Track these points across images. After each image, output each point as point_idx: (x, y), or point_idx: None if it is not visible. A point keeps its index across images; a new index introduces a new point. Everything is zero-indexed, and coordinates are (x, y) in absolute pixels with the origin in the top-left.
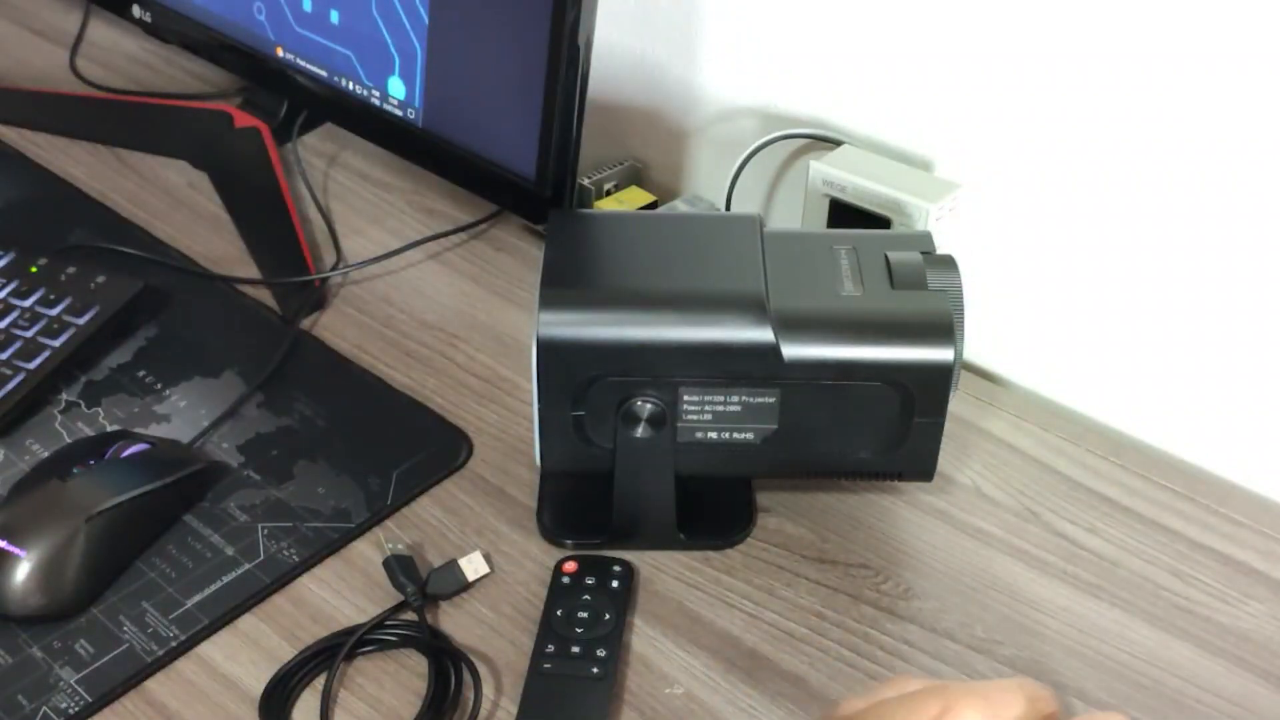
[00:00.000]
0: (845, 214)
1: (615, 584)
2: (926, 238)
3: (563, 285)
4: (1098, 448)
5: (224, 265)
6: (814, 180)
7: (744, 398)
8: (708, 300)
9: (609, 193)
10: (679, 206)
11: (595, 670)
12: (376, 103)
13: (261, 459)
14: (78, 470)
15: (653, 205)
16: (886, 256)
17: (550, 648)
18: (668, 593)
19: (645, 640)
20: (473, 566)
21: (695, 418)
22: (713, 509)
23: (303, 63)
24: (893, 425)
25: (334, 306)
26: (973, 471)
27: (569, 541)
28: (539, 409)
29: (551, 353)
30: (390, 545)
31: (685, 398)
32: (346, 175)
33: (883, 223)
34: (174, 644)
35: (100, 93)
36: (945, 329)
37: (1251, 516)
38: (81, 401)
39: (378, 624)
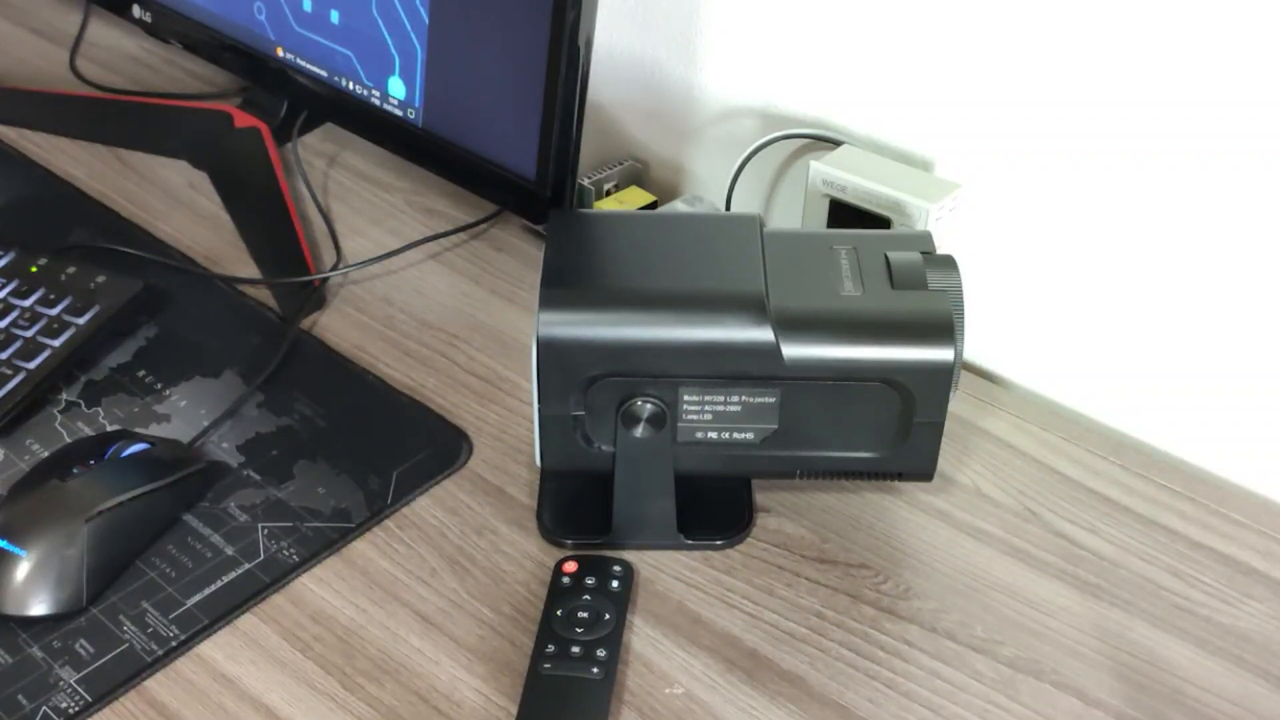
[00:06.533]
0: (845, 214)
1: (615, 584)
2: (926, 238)
3: (563, 285)
4: (1098, 448)
5: (224, 265)
6: (814, 180)
7: (744, 398)
8: (708, 300)
9: (609, 193)
10: (679, 206)
11: (595, 671)
12: (376, 103)
13: (261, 459)
14: (78, 470)
15: (653, 205)
16: (886, 256)
17: (550, 648)
18: (668, 593)
19: (645, 640)
20: None
21: (695, 418)
22: (713, 509)
23: (303, 63)
24: (893, 425)
25: (334, 306)
26: (973, 471)
27: (569, 541)
28: (539, 409)
29: (551, 352)
30: None
31: (685, 398)
32: (346, 175)
33: (883, 223)
34: (174, 644)
35: (100, 93)
36: (945, 329)
37: (1251, 516)
38: (81, 401)
39: None
